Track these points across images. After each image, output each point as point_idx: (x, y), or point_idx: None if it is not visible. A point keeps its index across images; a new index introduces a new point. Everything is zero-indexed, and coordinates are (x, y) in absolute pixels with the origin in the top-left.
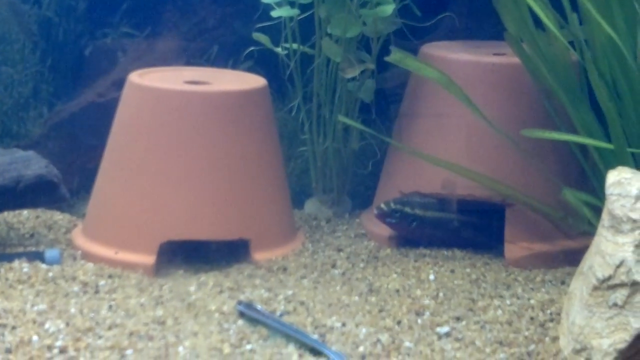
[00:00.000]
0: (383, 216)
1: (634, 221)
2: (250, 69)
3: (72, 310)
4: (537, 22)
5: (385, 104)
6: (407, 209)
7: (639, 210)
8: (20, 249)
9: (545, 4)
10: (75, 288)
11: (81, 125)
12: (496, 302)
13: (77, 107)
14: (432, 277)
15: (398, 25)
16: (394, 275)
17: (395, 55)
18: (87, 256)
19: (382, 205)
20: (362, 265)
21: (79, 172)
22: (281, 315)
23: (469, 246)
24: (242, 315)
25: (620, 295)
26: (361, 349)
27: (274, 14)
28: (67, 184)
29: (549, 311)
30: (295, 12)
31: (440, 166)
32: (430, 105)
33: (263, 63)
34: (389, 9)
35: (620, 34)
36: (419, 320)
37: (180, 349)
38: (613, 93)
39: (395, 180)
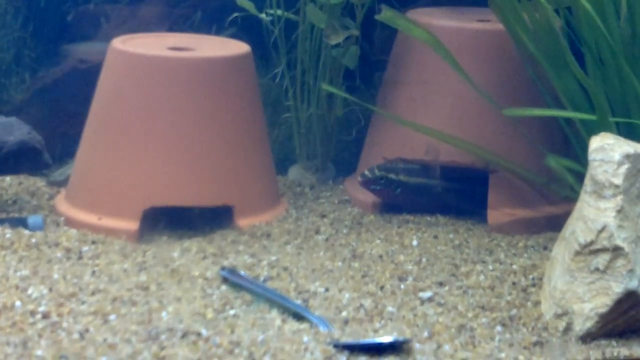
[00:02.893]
0: (367, 183)
1: (616, 186)
2: (233, 36)
3: (55, 276)
4: None
5: (370, 70)
6: (392, 176)
7: (621, 176)
8: (3, 215)
9: None
10: (59, 254)
11: (64, 92)
12: (479, 267)
13: (59, 73)
14: (415, 242)
15: None
16: (377, 241)
17: (385, 14)
18: (71, 222)
19: (367, 172)
20: (345, 231)
21: (62, 138)
22: (264, 280)
23: (452, 212)
24: (225, 280)
25: (602, 260)
26: (344, 314)
27: None
28: (50, 150)
29: (531, 276)
30: None
31: (424, 133)
32: (414, 72)
33: (247, 29)
34: None
35: (603, 0)
36: (402, 286)
37: (164, 314)
38: (597, 60)
39: (379, 147)
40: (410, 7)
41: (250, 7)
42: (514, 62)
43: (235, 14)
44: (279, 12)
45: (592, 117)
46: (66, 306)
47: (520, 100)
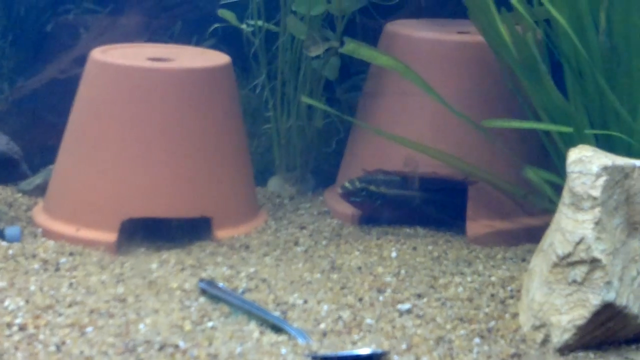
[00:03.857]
0: (348, 195)
1: (594, 199)
2: (214, 46)
3: (32, 287)
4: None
5: (352, 80)
6: (372, 187)
7: (599, 188)
8: None
9: None
10: (36, 265)
11: (43, 102)
12: (457, 279)
13: (38, 84)
14: (394, 254)
15: (363, 3)
16: (356, 253)
17: (349, 46)
18: (48, 234)
19: (347, 184)
20: (324, 242)
21: (41, 149)
22: (243, 292)
23: (431, 223)
24: (203, 292)
25: (579, 272)
26: (322, 326)
27: None
28: (28, 161)
29: (509, 288)
30: None
31: (404, 144)
32: (393, 83)
33: (227, 40)
34: None
35: (581, 13)
36: (381, 298)
37: (141, 326)
38: (576, 72)
39: (358, 159)
40: (390, 18)
41: (231, 18)
42: (494, 73)
43: (216, 25)
44: (260, 23)
45: (569, 130)
46: (43, 318)
47: (499, 111)
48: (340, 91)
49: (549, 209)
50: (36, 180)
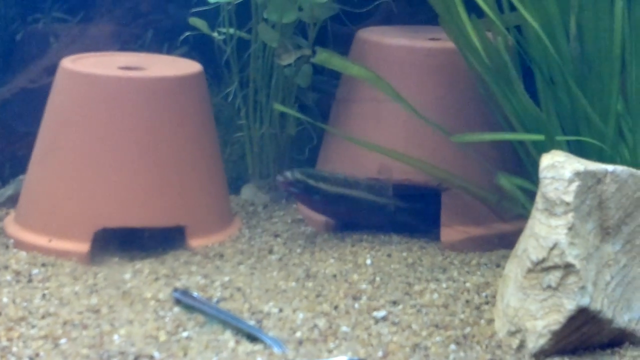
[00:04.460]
0: (287, 184)
1: (567, 204)
2: (185, 55)
3: (5, 299)
4: (472, 7)
5: (324, 86)
6: (311, 182)
7: (572, 193)
8: None
9: None
10: (8, 277)
11: (12, 112)
12: (432, 285)
13: (8, 94)
14: (369, 261)
15: (335, 10)
16: (331, 260)
17: (321, 56)
18: (20, 244)
19: (287, 173)
20: (299, 250)
21: (10, 159)
22: (217, 301)
23: (406, 230)
24: (178, 302)
25: (554, 277)
26: (298, 334)
27: None
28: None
29: (484, 294)
30: None
31: (376, 151)
32: (366, 89)
33: (199, 48)
34: None
35: (551, 19)
36: (356, 305)
37: (116, 337)
38: (547, 78)
39: (331, 166)
40: (361, 25)
41: (202, 26)
42: (465, 80)
43: (187, 33)
44: (231, 31)
45: (541, 138)
46: (16, 330)
47: (471, 118)
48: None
49: (523, 215)
50: (7, 191)
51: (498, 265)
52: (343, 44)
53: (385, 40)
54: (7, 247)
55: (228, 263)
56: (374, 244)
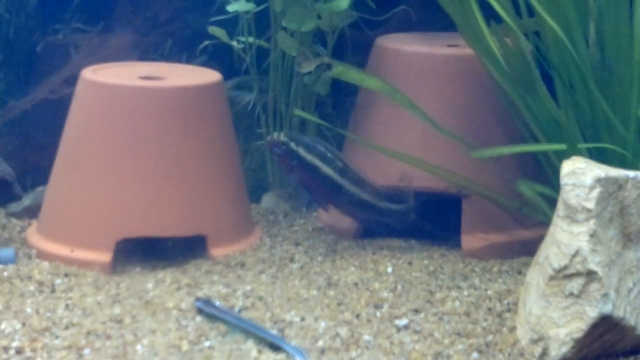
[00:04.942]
0: (272, 144)
1: (589, 211)
2: (205, 64)
3: (28, 310)
4: (490, 13)
5: (342, 96)
6: (292, 145)
7: (594, 200)
8: None
9: None
10: (31, 287)
11: (34, 123)
12: (454, 293)
13: (29, 104)
14: (390, 269)
15: (353, 18)
16: (352, 269)
17: (337, 69)
18: (43, 255)
19: (276, 133)
20: (320, 259)
21: (32, 170)
22: (239, 311)
23: (426, 237)
24: (200, 311)
25: (576, 284)
26: (320, 343)
27: (230, 8)
28: (21, 182)
29: (506, 301)
30: (251, 6)
31: (396, 158)
32: (385, 96)
33: (218, 57)
34: (344, 2)
35: (571, 25)
36: (378, 313)
37: (139, 347)
38: (567, 84)
39: None
40: (380, 31)
41: (222, 35)
42: (484, 86)
43: (207, 42)
44: (250, 40)
45: (562, 147)
46: (40, 341)
47: (491, 125)
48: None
49: (544, 222)
50: (25, 202)
51: (519, 273)
52: (361, 51)
53: (404, 48)
54: (30, 257)
55: (249, 272)
56: (395, 251)
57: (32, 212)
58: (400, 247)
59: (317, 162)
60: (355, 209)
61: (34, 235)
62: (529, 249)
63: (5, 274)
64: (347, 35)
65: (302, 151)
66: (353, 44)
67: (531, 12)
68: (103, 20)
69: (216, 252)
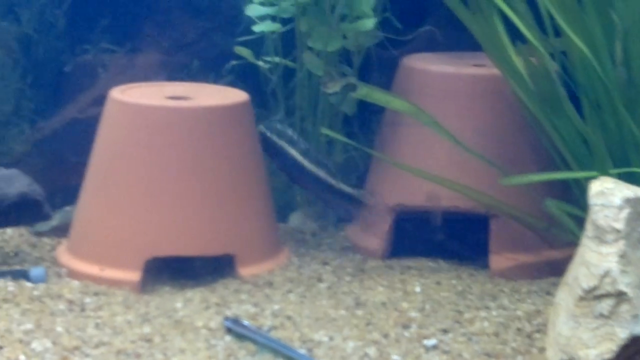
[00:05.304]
0: (261, 133)
1: (618, 231)
2: (231, 83)
3: (59, 329)
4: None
5: (368, 115)
6: (274, 137)
7: (623, 220)
8: (5, 268)
9: (522, 15)
10: (61, 306)
11: (63, 142)
12: (482, 313)
13: (58, 124)
14: (418, 289)
15: (379, 38)
16: (380, 288)
17: (363, 91)
18: (73, 274)
19: (267, 124)
20: (348, 278)
21: (62, 189)
22: (268, 330)
23: (454, 256)
24: (229, 331)
25: (606, 305)
26: None
27: (256, 28)
28: (50, 202)
29: (535, 322)
30: (277, 26)
31: (423, 177)
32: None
33: (244, 77)
34: (370, 22)
35: (597, 44)
36: (406, 333)
37: None
38: (594, 104)
39: (378, 192)
40: (405, 50)
41: (248, 55)
42: (511, 106)
43: (233, 62)
44: (276, 59)
45: (593, 174)
46: (70, 359)
47: (518, 145)
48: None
49: (572, 242)
50: (54, 221)
51: (548, 293)
52: (387, 70)
53: (430, 67)
54: (60, 276)
55: (278, 291)
56: (423, 271)
57: (62, 231)
58: (428, 266)
59: (286, 145)
60: (316, 189)
61: (63, 254)
62: (558, 269)
63: (36, 292)
64: (372, 54)
65: (283, 143)
66: (378, 63)
67: (557, 31)
68: (131, 40)
69: (244, 271)
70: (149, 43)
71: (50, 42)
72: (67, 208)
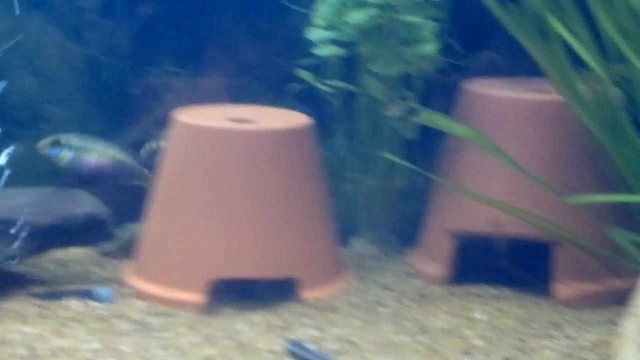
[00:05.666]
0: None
1: None
2: (293, 107)
3: (124, 348)
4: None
5: (429, 139)
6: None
7: None
8: (72, 287)
9: (584, 41)
10: (127, 326)
11: None
12: (546, 342)
13: (124, 145)
14: (481, 316)
15: (441, 63)
16: (443, 315)
17: (425, 116)
18: (138, 294)
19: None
20: (410, 304)
21: (125, 209)
22: (331, 354)
23: (516, 284)
24: (292, 354)
25: None
26: None
27: (319, 52)
28: (115, 222)
29: (600, 352)
30: (339, 50)
31: (486, 203)
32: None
33: (306, 100)
34: (431, 47)
35: None
36: None
37: None
38: None
39: (440, 217)
40: (466, 74)
41: (310, 79)
42: (574, 132)
43: (295, 85)
44: (338, 83)
45: None
46: None
47: (581, 171)
48: None
49: (637, 270)
50: (119, 241)
51: (613, 323)
52: (446, 94)
53: (492, 92)
54: (125, 296)
55: (340, 315)
56: (485, 298)
57: (127, 250)
58: (491, 293)
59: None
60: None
61: (129, 275)
62: (623, 298)
63: (102, 312)
64: (433, 79)
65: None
66: (439, 87)
67: (620, 57)
68: (195, 63)
69: (307, 294)
70: (212, 66)
71: (117, 64)
72: (131, 226)
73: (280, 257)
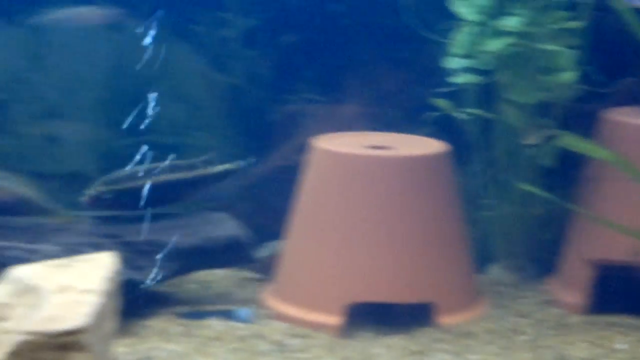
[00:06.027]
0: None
1: None
2: (431, 134)
3: None
4: None
5: (568, 168)
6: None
7: None
8: (214, 307)
9: None
10: (267, 346)
11: (268, 188)
12: None
13: (264, 171)
14: (621, 346)
15: (580, 91)
16: (582, 344)
17: (567, 139)
18: (277, 315)
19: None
20: (548, 332)
21: (265, 233)
22: None
23: None
24: None
25: None
26: None
27: (456, 80)
28: (255, 245)
29: None
30: (476, 78)
31: (626, 233)
32: (615, 170)
33: (443, 127)
34: (571, 76)
35: None
36: None
37: None
38: None
39: (580, 245)
40: (601, 103)
41: (447, 106)
42: None
43: (432, 113)
44: (475, 111)
45: None
46: None
47: None
48: None
49: None
50: (259, 263)
51: None
52: (586, 123)
53: (633, 121)
54: (265, 317)
55: (477, 342)
56: (626, 328)
57: (266, 272)
58: (631, 324)
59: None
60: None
61: (269, 296)
62: None
63: (242, 332)
64: (570, 107)
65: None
66: (577, 116)
67: None
68: (333, 91)
69: (443, 320)
70: (350, 94)
71: (258, 92)
72: (271, 245)
73: (418, 282)
